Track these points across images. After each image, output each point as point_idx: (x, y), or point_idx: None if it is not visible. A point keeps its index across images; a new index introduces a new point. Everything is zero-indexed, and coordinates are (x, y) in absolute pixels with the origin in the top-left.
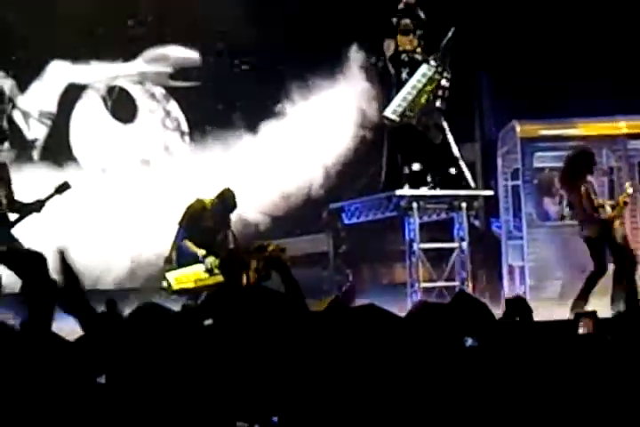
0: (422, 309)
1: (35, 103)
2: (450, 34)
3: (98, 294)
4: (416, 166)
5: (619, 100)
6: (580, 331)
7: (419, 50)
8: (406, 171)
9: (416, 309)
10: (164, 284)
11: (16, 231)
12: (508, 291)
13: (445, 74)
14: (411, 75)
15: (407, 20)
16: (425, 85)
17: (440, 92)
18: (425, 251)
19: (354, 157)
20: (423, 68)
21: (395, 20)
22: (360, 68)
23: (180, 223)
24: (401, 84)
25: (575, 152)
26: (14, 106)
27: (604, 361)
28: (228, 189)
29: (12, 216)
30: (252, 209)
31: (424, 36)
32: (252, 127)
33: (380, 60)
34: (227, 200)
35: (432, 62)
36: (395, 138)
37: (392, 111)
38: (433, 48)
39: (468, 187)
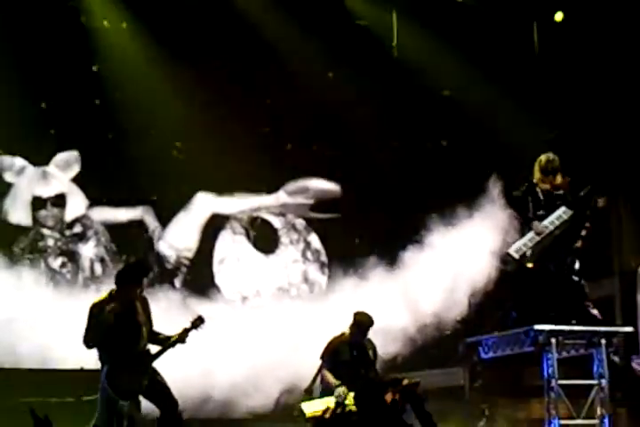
0: None
1: (179, 233)
2: (586, 190)
3: (234, 424)
4: (553, 302)
5: None
6: None
7: (560, 191)
8: (543, 306)
9: None
10: (297, 413)
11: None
12: None
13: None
14: (547, 212)
15: (552, 156)
16: (557, 228)
17: (579, 233)
18: (564, 387)
19: (492, 290)
20: (559, 211)
21: (541, 157)
22: (499, 199)
23: (322, 357)
24: (536, 219)
25: None
26: (157, 241)
27: None
28: (359, 312)
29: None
30: (388, 341)
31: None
32: (391, 258)
33: (520, 191)
34: (361, 321)
35: (569, 210)
36: (532, 272)
37: (515, 250)
38: (573, 190)
39: (607, 323)
